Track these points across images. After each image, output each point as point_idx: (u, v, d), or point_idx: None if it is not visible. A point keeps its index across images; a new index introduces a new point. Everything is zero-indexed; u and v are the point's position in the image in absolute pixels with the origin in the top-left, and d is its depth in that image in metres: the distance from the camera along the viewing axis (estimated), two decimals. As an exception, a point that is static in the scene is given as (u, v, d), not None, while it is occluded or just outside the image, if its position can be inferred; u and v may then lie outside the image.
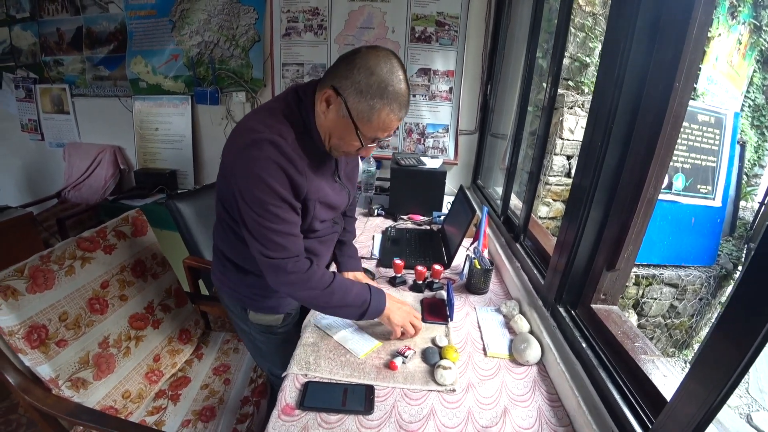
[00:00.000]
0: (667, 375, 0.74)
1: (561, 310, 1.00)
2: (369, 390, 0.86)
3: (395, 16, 2.14)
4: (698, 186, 3.05)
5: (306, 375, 0.91)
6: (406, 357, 0.96)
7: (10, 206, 2.18)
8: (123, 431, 1.01)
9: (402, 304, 1.05)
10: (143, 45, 2.59)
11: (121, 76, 2.70)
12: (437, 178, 1.85)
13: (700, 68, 3.55)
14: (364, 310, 0.98)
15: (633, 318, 3.15)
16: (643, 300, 3.12)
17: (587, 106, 3.00)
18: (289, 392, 0.86)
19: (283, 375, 0.92)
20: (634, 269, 3.06)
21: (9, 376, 1.04)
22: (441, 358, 0.96)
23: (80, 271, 1.18)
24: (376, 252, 1.51)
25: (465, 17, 2.12)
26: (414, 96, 2.23)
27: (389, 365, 0.93)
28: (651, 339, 3.19)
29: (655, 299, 3.13)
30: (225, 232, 1.08)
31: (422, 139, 2.29)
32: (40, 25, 2.86)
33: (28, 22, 2.90)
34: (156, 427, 1.20)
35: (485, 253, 1.33)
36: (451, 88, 2.20)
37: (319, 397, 0.84)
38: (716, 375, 0.52)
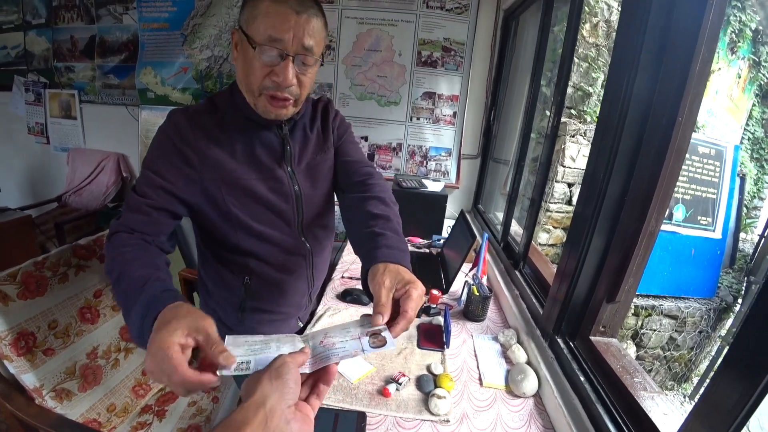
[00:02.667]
0: (667, 413, 0.73)
1: (559, 341, 0.99)
2: (361, 417, 0.84)
3: (402, 40, 2.18)
4: (698, 217, 3.06)
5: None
6: (400, 384, 0.94)
7: (9, 208, 2.18)
8: (106, 446, 0.98)
9: (157, 350, 0.51)
10: (154, 56, 2.63)
11: (130, 86, 2.74)
12: (438, 201, 1.86)
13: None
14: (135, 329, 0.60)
15: (632, 349, 3.10)
16: (642, 331, 3.08)
17: (589, 134, 3.03)
18: (278, 415, 0.84)
19: None
20: (634, 300, 3.04)
21: None
22: (436, 386, 0.94)
23: (74, 279, 1.17)
24: (374, 274, 1.49)
25: (471, 44, 2.16)
26: (418, 119, 2.25)
27: (383, 392, 0.91)
28: (650, 371, 3.14)
29: (655, 330, 3.10)
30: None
31: (425, 162, 2.31)
32: (54, 32, 2.91)
33: (43, 28, 2.96)
34: (140, 443, 1.17)
35: (484, 280, 1.32)
36: (455, 113, 2.23)
37: (309, 421, 0.82)
38: (720, 418, 0.51)
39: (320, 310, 1.24)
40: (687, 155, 2.88)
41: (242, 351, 0.55)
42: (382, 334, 0.56)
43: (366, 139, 2.34)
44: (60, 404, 1.07)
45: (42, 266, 1.11)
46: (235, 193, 0.85)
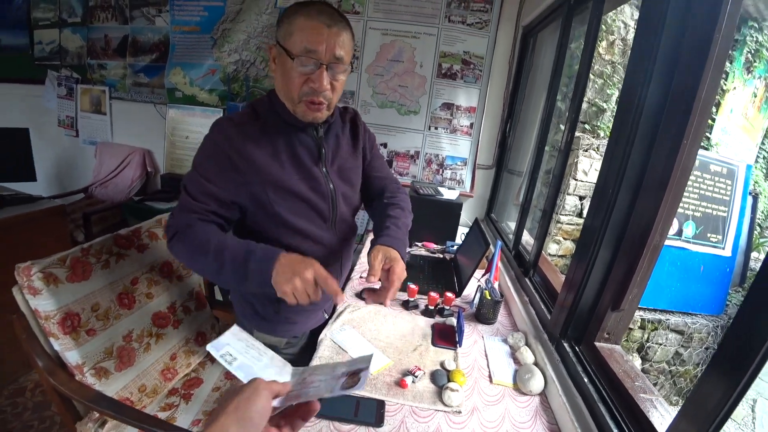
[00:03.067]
0: (665, 415, 0.79)
1: (565, 345, 1.06)
2: (380, 404, 0.92)
3: (424, 52, 2.26)
4: (708, 234, 3.08)
5: (320, 385, 0.96)
6: (416, 377, 1.01)
7: (43, 197, 2.28)
8: (138, 421, 1.05)
9: (290, 259, 0.79)
10: (183, 58, 2.75)
11: (159, 85, 2.85)
12: (453, 208, 1.93)
13: (714, 120, 3.62)
14: (242, 275, 0.81)
15: (637, 362, 3.13)
16: (647, 344, 3.11)
17: (602, 149, 3.08)
18: (304, 399, 0.92)
19: None
20: (640, 313, 3.06)
21: (37, 357, 1.10)
22: (449, 380, 1.01)
23: (114, 266, 1.26)
24: (391, 275, 1.57)
25: (490, 58, 2.23)
26: (436, 129, 2.33)
27: (400, 383, 0.99)
28: (654, 385, 3.14)
29: (660, 345, 3.12)
30: None
31: (441, 170, 2.38)
32: (89, 31, 3.04)
33: (79, 26, 3.09)
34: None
35: (496, 285, 1.38)
36: (471, 124, 2.30)
37: (333, 406, 0.89)
38: (704, 416, 0.57)
39: (340, 307, 1.31)
40: (698, 173, 2.93)
41: (238, 346, 0.60)
42: (360, 375, 0.57)
43: (385, 146, 2.42)
44: (98, 381, 1.16)
45: (87, 253, 1.20)
46: (280, 193, 0.93)
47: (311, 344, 1.19)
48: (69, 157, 3.52)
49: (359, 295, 1.40)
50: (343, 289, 1.37)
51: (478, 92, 2.27)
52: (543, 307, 1.28)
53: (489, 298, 1.31)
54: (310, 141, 0.98)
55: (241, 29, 2.53)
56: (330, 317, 1.27)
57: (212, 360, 1.52)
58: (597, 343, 1.00)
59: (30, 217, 2.04)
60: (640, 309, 3.05)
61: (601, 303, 1.00)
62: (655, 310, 3.09)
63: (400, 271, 0.90)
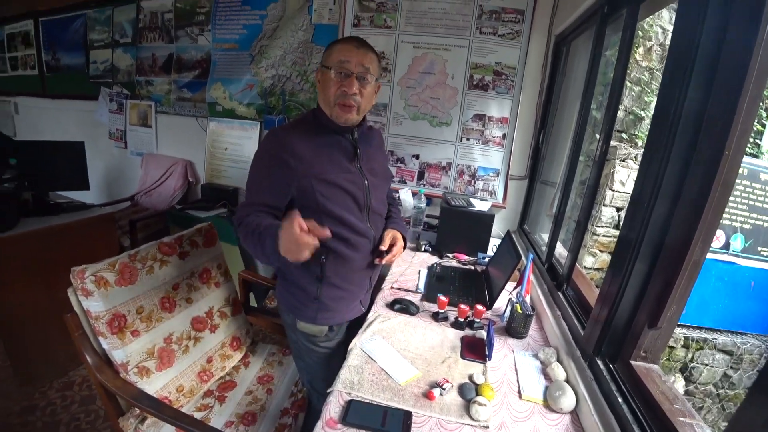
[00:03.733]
0: (705, 441, 0.75)
1: (599, 362, 1.02)
2: (407, 415, 0.92)
3: (456, 64, 2.27)
4: (759, 248, 2.90)
5: (350, 393, 0.98)
6: (443, 389, 1.01)
7: (95, 204, 2.44)
8: (175, 420, 1.10)
9: (290, 235, 0.91)
10: (223, 74, 2.88)
11: (201, 99, 3.01)
12: (485, 220, 1.91)
13: (765, 126, 3.42)
14: (263, 251, 1.01)
15: (680, 383, 2.97)
16: (692, 365, 2.94)
17: (640, 159, 2.97)
18: (333, 407, 0.94)
19: (328, 391, 0.99)
20: (683, 330, 2.91)
21: (87, 354, 1.18)
22: (477, 394, 1.00)
23: (158, 272, 1.33)
24: (421, 286, 1.57)
25: (522, 68, 2.21)
26: (468, 140, 2.33)
27: (427, 395, 0.99)
28: (700, 409, 2.98)
29: (706, 365, 2.94)
30: None
31: (473, 181, 2.37)
32: (138, 50, 3.26)
33: (129, 46, 3.32)
34: (202, 424, 1.30)
35: (527, 299, 1.36)
36: (504, 135, 2.28)
37: (361, 415, 0.91)
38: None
39: (371, 316, 1.33)
40: (747, 182, 2.78)
41: None
42: None
43: (417, 157, 2.44)
44: (140, 380, 1.22)
45: (134, 259, 1.28)
46: (323, 185, 1.11)
47: (347, 340, 1.26)
48: (118, 167, 3.76)
49: (390, 306, 1.41)
50: (372, 298, 1.45)
51: (511, 103, 2.26)
52: (576, 322, 1.25)
53: (520, 311, 1.29)
54: (347, 143, 1.19)
55: (278, 45, 2.63)
56: (367, 311, 1.37)
57: (246, 364, 1.57)
58: (633, 362, 0.97)
59: (83, 224, 2.18)
60: (683, 326, 2.90)
61: (637, 319, 0.96)
62: (700, 328, 2.93)
63: (400, 245, 1.29)
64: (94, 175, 3.77)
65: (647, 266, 0.93)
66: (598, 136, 1.42)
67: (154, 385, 1.26)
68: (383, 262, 1.25)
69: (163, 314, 1.33)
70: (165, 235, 2.79)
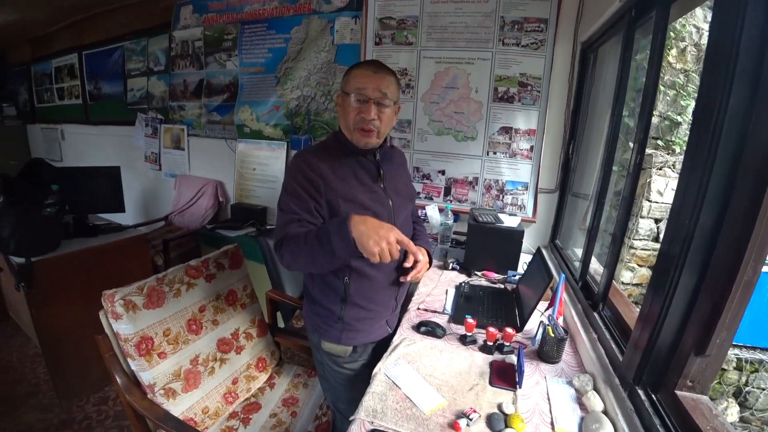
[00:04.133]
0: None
1: (640, 392, 0.94)
2: (434, 448, 0.87)
3: (479, 77, 2.24)
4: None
5: (372, 422, 0.95)
6: (470, 419, 0.96)
7: (129, 226, 2.54)
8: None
9: (373, 224, 0.98)
10: (251, 96, 2.96)
11: (230, 122, 3.09)
12: (514, 237, 1.85)
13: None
14: (330, 248, 0.99)
15: (734, 408, 2.74)
16: (747, 389, 2.72)
17: (678, 166, 2.83)
18: (356, 437, 0.90)
19: (351, 419, 0.96)
20: (736, 351, 2.70)
21: (117, 375, 1.20)
22: (506, 426, 0.94)
23: (185, 295, 1.35)
24: (449, 307, 1.53)
25: (548, 78, 2.15)
26: (495, 153, 2.28)
27: (453, 425, 0.94)
28: (757, 437, 2.73)
29: (763, 390, 2.71)
30: None
31: (501, 196, 2.31)
32: (171, 77, 3.40)
33: (163, 74, 3.47)
34: (228, 446, 1.29)
35: (560, 321, 1.29)
36: (532, 147, 2.22)
37: (386, 447, 0.87)
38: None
39: (396, 339, 1.30)
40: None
41: None
42: None
43: (443, 173, 2.40)
44: (167, 401, 1.23)
45: (162, 282, 1.30)
46: (349, 205, 1.12)
47: (373, 361, 1.24)
48: (153, 189, 3.91)
49: (416, 328, 1.37)
50: (399, 318, 1.43)
51: (537, 114, 2.20)
52: (614, 345, 1.17)
53: (552, 335, 1.22)
54: (370, 163, 1.21)
55: (302, 67, 2.68)
56: (394, 332, 1.34)
57: (271, 386, 1.56)
58: (678, 392, 0.88)
59: (119, 245, 2.28)
60: (735, 347, 2.69)
61: (683, 345, 0.88)
62: (755, 348, 2.71)
63: (425, 261, 1.22)
64: (132, 196, 3.96)
65: (692, 285, 0.85)
66: (631, 145, 1.35)
67: (180, 406, 1.27)
68: (408, 279, 1.21)
69: (189, 336, 1.34)
70: (196, 254, 2.87)
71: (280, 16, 2.73)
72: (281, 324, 1.94)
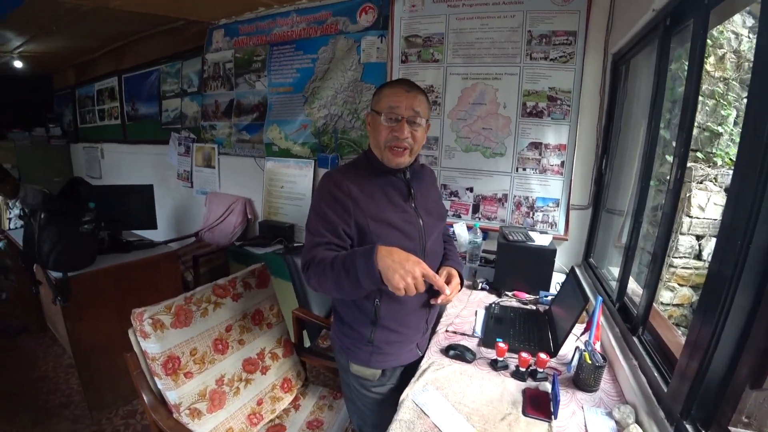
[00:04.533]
0: None
1: (689, 427, 0.86)
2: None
3: (507, 93, 2.21)
4: None
5: (401, 453, 0.90)
6: (506, 453, 0.90)
7: (160, 242, 2.60)
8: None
9: (399, 258, 0.96)
10: (279, 115, 3.02)
11: (259, 140, 3.16)
12: (546, 256, 1.78)
13: None
14: (355, 276, 0.97)
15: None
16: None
17: (721, 180, 2.69)
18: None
19: None
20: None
21: (144, 393, 1.22)
22: (545, 461, 0.88)
23: (212, 314, 1.36)
24: (479, 330, 1.47)
25: (578, 92, 2.10)
26: (524, 170, 2.23)
27: (488, 459, 0.89)
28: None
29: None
30: None
31: (531, 213, 2.24)
32: (203, 98, 3.53)
33: (195, 95, 3.61)
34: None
35: (597, 346, 1.22)
36: (562, 162, 2.15)
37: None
38: None
39: (424, 363, 1.25)
40: None
41: None
42: None
43: (471, 190, 2.36)
44: (192, 421, 1.23)
45: (190, 301, 1.31)
46: (379, 225, 1.11)
47: (401, 385, 1.21)
48: (185, 205, 4.03)
49: (444, 352, 1.32)
50: (429, 340, 1.39)
51: (568, 128, 2.13)
52: (657, 374, 1.08)
53: (589, 362, 1.15)
54: (401, 183, 1.20)
55: (329, 86, 2.72)
56: (423, 356, 1.30)
57: (296, 407, 1.54)
58: (732, 429, 0.80)
59: (151, 261, 2.34)
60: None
61: (737, 376, 0.80)
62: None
63: (456, 282, 1.20)
64: (165, 212, 4.10)
65: (747, 309, 0.77)
66: (669, 159, 1.28)
67: (205, 427, 1.26)
68: (439, 301, 1.17)
69: (215, 356, 1.34)
70: (225, 271, 2.92)
71: (307, 37, 2.79)
72: (307, 343, 1.92)
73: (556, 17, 2.08)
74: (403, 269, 0.93)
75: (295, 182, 3.00)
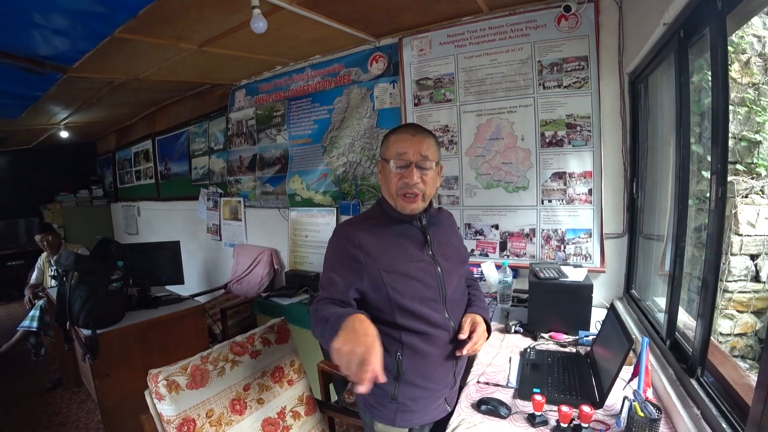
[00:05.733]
0: None
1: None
2: None
3: (523, 125, 2.17)
4: None
5: None
6: None
7: (187, 297, 2.63)
8: None
9: (356, 336, 0.84)
10: (300, 166, 3.10)
11: (282, 192, 3.24)
12: (582, 292, 1.65)
13: None
14: (326, 332, 0.94)
15: None
16: None
17: (768, 191, 2.48)
18: None
19: None
20: None
21: None
22: None
23: (229, 373, 1.31)
24: (513, 379, 1.34)
25: (597, 115, 2.03)
26: (550, 201, 2.15)
27: None
28: None
29: None
30: None
31: (562, 246, 2.13)
32: (228, 154, 3.68)
33: (221, 151, 3.77)
34: None
35: (649, 393, 1.08)
36: (590, 190, 2.06)
37: None
38: None
39: (454, 421, 1.15)
40: None
41: None
42: None
43: (496, 227, 2.29)
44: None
45: (206, 360, 1.27)
46: (393, 277, 1.08)
47: None
48: (214, 258, 4.13)
49: (476, 407, 1.21)
50: (459, 393, 1.28)
51: (591, 154, 2.05)
52: (725, 424, 0.93)
53: (642, 414, 1.01)
54: (416, 230, 1.17)
55: (346, 134, 2.78)
56: (452, 412, 1.20)
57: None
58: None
59: (178, 315, 2.36)
60: None
61: None
62: None
63: (481, 330, 1.15)
64: (196, 265, 4.21)
65: None
66: (706, 174, 1.18)
67: (221, 496, 1.18)
68: (465, 353, 1.12)
69: (233, 417, 1.28)
70: (253, 322, 2.89)
71: (323, 89, 2.90)
72: (334, 397, 1.83)
73: (564, 44, 2.06)
74: (349, 341, 0.83)
75: (318, 231, 3.02)
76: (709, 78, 1.24)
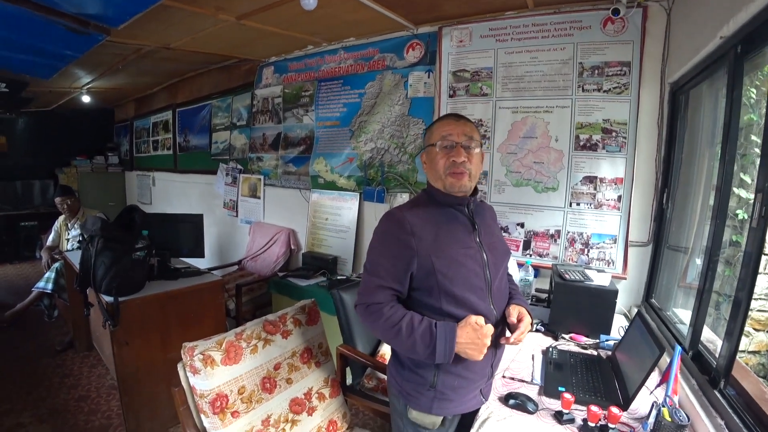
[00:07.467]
0: None
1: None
2: None
3: (559, 126, 2.15)
4: None
5: None
6: None
7: (205, 270, 2.64)
8: None
9: (470, 336, 1.03)
10: (325, 149, 3.09)
11: (305, 173, 3.24)
12: (607, 297, 1.66)
13: None
14: (432, 351, 1.02)
15: None
16: None
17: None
18: None
19: None
20: None
21: (188, 429, 1.19)
22: None
23: (261, 351, 1.33)
24: (538, 377, 1.37)
25: (634, 123, 2.01)
26: (578, 204, 2.15)
27: None
28: None
29: None
30: None
31: (586, 250, 2.13)
32: (251, 131, 3.68)
33: (244, 128, 3.77)
34: None
35: (675, 400, 1.09)
36: (619, 196, 2.05)
37: None
38: None
39: (483, 413, 1.17)
40: None
41: None
42: None
43: (522, 225, 2.29)
44: (237, 463, 1.18)
45: (240, 337, 1.29)
46: (443, 262, 1.07)
47: None
48: (229, 233, 4.15)
49: (503, 400, 1.23)
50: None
51: (624, 161, 2.04)
52: (748, 438, 0.95)
53: (670, 419, 1.03)
54: (464, 217, 1.16)
55: (376, 120, 2.77)
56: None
57: (342, 453, 1.47)
58: None
59: (197, 288, 2.35)
60: None
61: None
62: None
63: (528, 321, 1.17)
64: (209, 240, 4.21)
65: None
66: (737, 192, 1.17)
67: (249, 469, 1.21)
68: (511, 341, 1.12)
69: (263, 395, 1.31)
70: (267, 301, 2.90)
71: (355, 73, 2.88)
72: (349, 380, 1.86)
73: (608, 48, 2.04)
74: (476, 345, 1.02)
75: (339, 215, 3.02)
76: (752, 95, 1.23)
